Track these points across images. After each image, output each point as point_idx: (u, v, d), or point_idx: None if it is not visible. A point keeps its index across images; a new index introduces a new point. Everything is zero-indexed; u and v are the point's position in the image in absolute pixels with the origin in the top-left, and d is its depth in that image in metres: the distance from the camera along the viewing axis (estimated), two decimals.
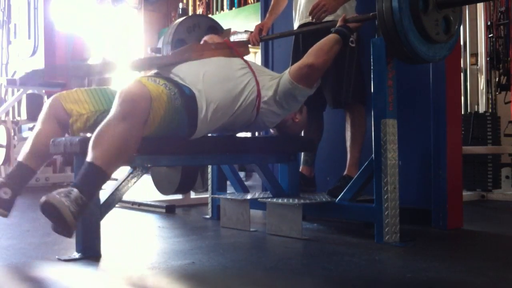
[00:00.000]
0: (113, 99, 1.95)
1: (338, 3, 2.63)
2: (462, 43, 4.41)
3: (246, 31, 6.17)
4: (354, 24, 2.38)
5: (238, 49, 2.54)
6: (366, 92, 2.64)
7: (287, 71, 2.33)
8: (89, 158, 1.78)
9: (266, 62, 3.48)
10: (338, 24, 2.39)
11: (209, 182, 2.98)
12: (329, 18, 2.63)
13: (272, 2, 2.95)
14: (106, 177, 1.81)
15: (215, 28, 2.86)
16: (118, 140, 1.81)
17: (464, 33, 4.59)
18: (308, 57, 2.31)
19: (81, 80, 6.74)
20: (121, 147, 1.83)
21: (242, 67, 2.35)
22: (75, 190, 1.72)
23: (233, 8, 7.10)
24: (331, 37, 2.33)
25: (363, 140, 2.66)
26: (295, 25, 2.87)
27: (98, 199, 1.97)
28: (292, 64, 2.71)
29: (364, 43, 2.65)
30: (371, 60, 2.27)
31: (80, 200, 1.71)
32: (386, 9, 2.14)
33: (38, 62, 6.10)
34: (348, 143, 2.72)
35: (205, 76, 2.17)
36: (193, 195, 3.73)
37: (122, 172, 2.29)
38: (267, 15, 2.91)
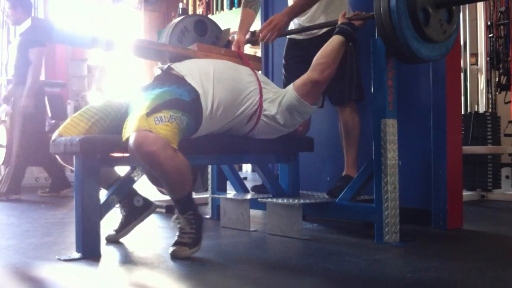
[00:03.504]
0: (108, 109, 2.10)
1: (290, 18, 2.53)
2: (462, 43, 4.42)
3: None
4: (359, 22, 2.31)
5: (250, 62, 2.45)
6: (363, 88, 2.65)
7: (291, 87, 2.24)
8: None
9: (266, 61, 3.47)
10: (340, 22, 2.31)
11: (209, 182, 2.98)
12: (326, 19, 2.60)
13: (240, 18, 2.73)
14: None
15: (202, 22, 2.78)
16: (173, 176, 1.98)
17: (464, 33, 4.60)
18: (313, 72, 2.22)
19: (80, 80, 6.74)
20: (179, 176, 2.03)
21: (249, 74, 2.30)
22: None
23: (233, 8, 7.11)
24: (335, 42, 2.24)
25: (358, 138, 2.66)
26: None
27: (98, 199, 1.97)
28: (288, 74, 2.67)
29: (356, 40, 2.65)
30: (371, 60, 2.27)
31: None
32: (387, 26, 2.13)
33: None
34: (344, 143, 2.71)
35: (215, 72, 2.15)
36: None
37: (122, 172, 2.29)
38: (237, 31, 2.65)
